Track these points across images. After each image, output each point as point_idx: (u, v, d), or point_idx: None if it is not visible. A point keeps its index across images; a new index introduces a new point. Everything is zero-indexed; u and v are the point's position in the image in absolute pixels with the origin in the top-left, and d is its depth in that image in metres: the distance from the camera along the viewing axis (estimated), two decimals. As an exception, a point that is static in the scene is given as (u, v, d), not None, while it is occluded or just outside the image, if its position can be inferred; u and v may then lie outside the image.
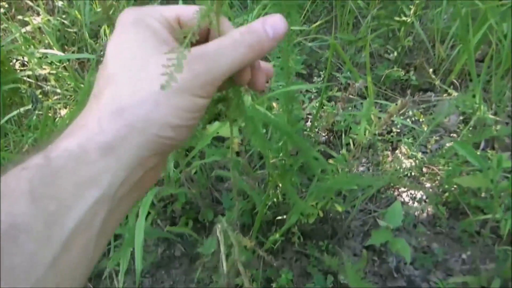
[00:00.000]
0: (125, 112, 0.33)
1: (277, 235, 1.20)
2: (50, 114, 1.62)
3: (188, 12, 0.41)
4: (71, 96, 1.69)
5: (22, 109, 1.53)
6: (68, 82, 1.70)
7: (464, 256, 1.34)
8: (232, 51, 0.37)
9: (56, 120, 1.64)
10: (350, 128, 1.66)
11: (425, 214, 1.48)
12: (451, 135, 1.76)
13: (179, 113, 0.35)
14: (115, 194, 0.33)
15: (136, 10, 0.40)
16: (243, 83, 0.43)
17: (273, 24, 0.38)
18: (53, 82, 1.77)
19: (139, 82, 0.34)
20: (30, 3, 2.15)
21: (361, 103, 1.81)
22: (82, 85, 1.61)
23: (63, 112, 1.67)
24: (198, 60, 0.36)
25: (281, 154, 1.17)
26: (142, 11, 0.40)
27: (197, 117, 0.38)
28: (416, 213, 1.48)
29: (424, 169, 1.60)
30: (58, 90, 1.71)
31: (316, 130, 1.65)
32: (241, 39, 0.37)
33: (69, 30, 2.03)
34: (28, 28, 1.96)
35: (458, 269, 1.31)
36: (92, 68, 1.52)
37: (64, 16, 2.06)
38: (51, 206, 0.29)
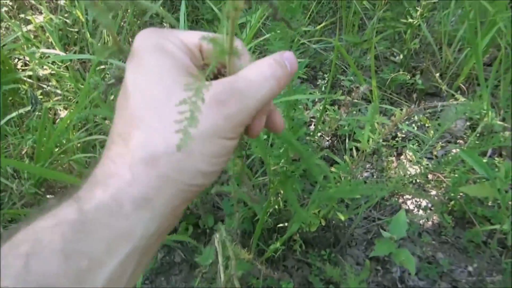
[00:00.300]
0: (157, 162, 0.32)
1: (278, 244, 1.18)
2: (50, 115, 1.60)
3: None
4: (72, 97, 1.67)
5: (22, 110, 1.51)
6: (69, 83, 1.68)
7: (470, 267, 1.31)
8: (262, 85, 0.36)
9: (57, 121, 1.63)
10: (354, 132, 1.63)
11: (430, 223, 1.45)
12: (458, 141, 1.72)
13: (211, 160, 0.34)
14: (145, 245, 0.32)
15: (154, 33, 0.37)
16: (262, 123, 0.41)
17: (289, 58, 0.38)
18: (54, 83, 1.75)
19: (169, 127, 0.32)
20: (33, 1, 2.13)
21: (366, 107, 1.78)
22: (82, 86, 1.58)
23: (63, 114, 1.65)
24: (228, 99, 0.34)
25: (282, 161, 1.14)
26: (162, 35, 0.37)
27: (227, 160, 0.36)
28: (421, 222, 1.45)
29: (430, 176, 1.56)
30: (59, 91, 1.69)
31: (319, 134, 1.62)
32: (270, 72, 0.36)
33: (71, 29, 2.01)
34: (30, 27, 1.94)
35: (464, 280, 1.27)
36: (93, 70, 1.50)
37: (66, 15, 2.04)
38: (83, 263, 0.29)
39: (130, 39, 2.16)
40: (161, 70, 0.35)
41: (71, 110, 1.55)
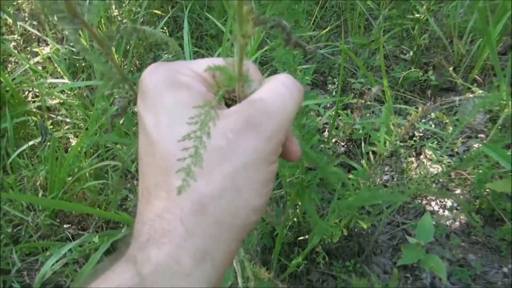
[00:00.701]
0: (207, 208, 0.30)
1: (300, 258, 1.13)
2: (62, 144, 1.60)
3: (219, 63, 0.36)
4: (82, 124, 1.67)
5: (32, 142, 1.51)
6: (78, 111, 1.68)
7: (504, 268, 1.24)
8: (287, 98, 0.34)
9: (69, 150, 1.62)
10: (370, 136, 1.58)
11: (457, 223, 1.39)
12: (479, 135, 1.65)
13: (261, 191, 0.32)
14: None
15: (163, 67, 0.35)
16: (296, 142, 0.39)
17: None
18: (64, 112, 1.75)
19: (208, 167, 0.30)
20: (39, 34, 2.16)
21: (379, 109, 1.73)
22: (91, 113, 1.58)
23: (75, 142, 1.65)
24: (262, 120, 0.32)
25: (297, 171, 1.10)
26: (172, 68, 0.35)
27: (272, 187, 0.34)
28: (448, 223, 1.38)
29: (453, 174, 1.50)
30: (68, 120, 1.69)
31: (334, 140, 1.57)
32: (289, 84, 0.35)
33: (77, 57, 2.02)
34: (38, 58, 1.96)
35: (500, 282, 1.20)
36: (100, 96, 1.49)
37: (72, 44, 2.05)
38: None
39: (137, 61, 2.16)
40: (182, 106, 0.32)
41: (81, 137, 1.55)
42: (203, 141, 0.27)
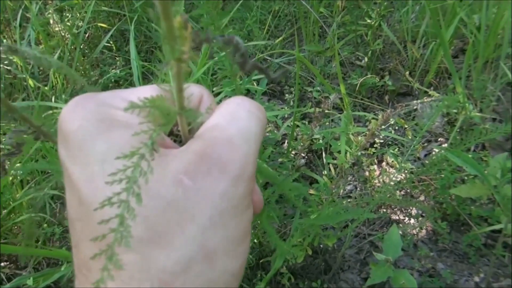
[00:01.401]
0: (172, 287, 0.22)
1: (263, 284, 1.04)
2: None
3: (156, 92, 0.28)
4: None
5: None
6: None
7: (475, 276, 1.20)
8: (248, 120, 0.27)
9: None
10: (330, 145, 1.53)
11: (424, 231, 1.34)
12: (438, 139, 1.64)
13: (237, 250, 0.25)
14: None
15: (88, 101, 0.26)
16: (257, 189, 0.32)
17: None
18: (-2, 136, 1.59)
19: (165, 232, 0.22)
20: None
21: (339, 117, 1.68)
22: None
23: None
24: (226, 155, 0.24)
25: (255, 190, 1.02)
26: (100, 101, 0.26)
27: (249, 243, 0.26)
28: (414, 232, 1.33)
29: (416, 181, 1.46)
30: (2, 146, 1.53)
31: (294, 153, 1.50)
32: (246, 107, 0.27)
33: (10, 76, 1.87)
34: (-32, 79, 1.78)
35: (471, 291, 1.16)
36: (36, 116, 1.35)
37: (6, 62, 1.89)
38: None
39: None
40: (117, 153, 0.23)
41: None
42: (131, 207, 0.19)
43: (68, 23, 2.08)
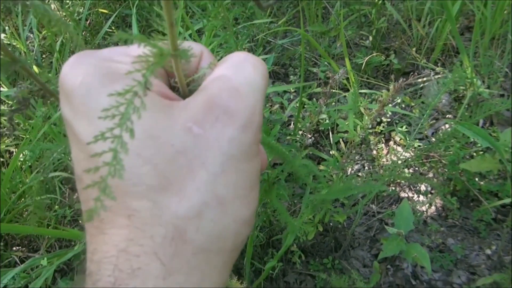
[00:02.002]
0: (186, 233, 0.22)
1: (275, 261, 1.04)
2: (4, 159, 1.44)
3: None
4: (25, 136, 1.52)
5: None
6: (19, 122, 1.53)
7: (487, 250, 1.20)
8: (252, 71, 0.26)
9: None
10: (337, 125, 1.52)
11: (433, 208, 1.34)
12: (446, 116, 1.62)
13: (248, 197, 0.25)
14: None
15: (89, 57, 0.25)
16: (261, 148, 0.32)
17: None
18: (3, 123, 1.59)
19: (177, 178, 0.22)
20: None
21: (345, 96, 1.67)
22: (31, 121, 1.43)
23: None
24: (233, 103, 0.24)
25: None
26: (101, 56, 0.26)
27: (258, 191, 0.26)
28: (424, 208, 1.33)
29: (424, 158, 1.46)
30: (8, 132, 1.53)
31: (301, 133, 1.50)
32: (251, 58, 0.27)
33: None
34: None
35: (483, 265, 1.16)
36: (41, 102, 1.35)
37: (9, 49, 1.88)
38: None
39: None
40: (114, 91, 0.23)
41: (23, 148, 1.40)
42: (124, 142, 0.18)
43: (69, 10, 2.06)
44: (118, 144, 0.18)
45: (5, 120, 1.24)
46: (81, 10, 2.07)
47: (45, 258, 0.98)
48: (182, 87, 0.28)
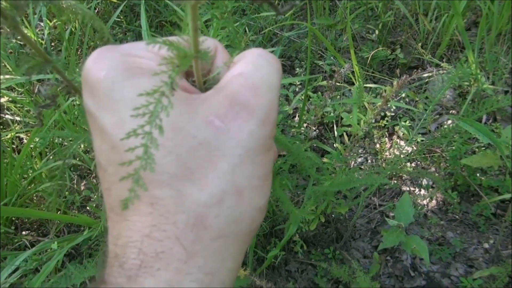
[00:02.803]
0: (206, 220, 0.24)
1: (277, 250, 1.07)
2: (13, 145, 1.47)
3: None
4: (33, 122, 1.55)
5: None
6: (30, 109, 1.56)
7: (485, 244, 1.22)
8: (268, 68, 0.28)
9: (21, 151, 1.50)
10: (341, 118, 1.54)
11: (434, 202, 1.36)
12: (450, 112, 1.64)
13: (263, 187, 0.26)
14: None
15: (112, 51, 0.27)
16: None
17: None
18: (14, 110, 1.62)
19: (199, 167, 0.24)
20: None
21: (350, 90, 1.69)
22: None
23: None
24: (250, 98, 0.26)
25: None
26: (124, 51, 0.27)
27: (272, 176, 0.28)
28: (424, 202, 1.36)
29: (426, 152, 1.47)
30: (18, 118, 1.56)
31: (305, 125, 1.52)
32: (266, 56, 0.28)
33: (25, 51, 1.88)
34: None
35: (481, 258, 1.19)
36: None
37: (19, 37, 1.90)
38: None
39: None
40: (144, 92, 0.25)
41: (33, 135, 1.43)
42: (154, 138, 0.21)
43: (78, -2, 2.08)
44: (148, 140, 0.20)
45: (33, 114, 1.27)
46: (89, -1, 2.08)
47: (56, 242, 1.02)
48: (199, 83, 0.30)
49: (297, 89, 1.76)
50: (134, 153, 0.21)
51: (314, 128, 1.63)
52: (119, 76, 0.26)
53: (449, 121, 1.54)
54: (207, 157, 0.24)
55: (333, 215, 1.29)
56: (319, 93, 1.67)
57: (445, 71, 1.66)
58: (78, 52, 2.05)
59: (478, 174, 1.32)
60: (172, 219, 0.24)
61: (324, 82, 1.66)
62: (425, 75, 1.73)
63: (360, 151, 1.56)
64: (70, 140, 1.30)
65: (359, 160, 1.53)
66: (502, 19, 1.69)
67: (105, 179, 0.27)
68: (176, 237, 0.23)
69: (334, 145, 1.50)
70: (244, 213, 0.25)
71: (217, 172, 0.24)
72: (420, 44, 1.85)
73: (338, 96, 1.67)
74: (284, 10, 0.31)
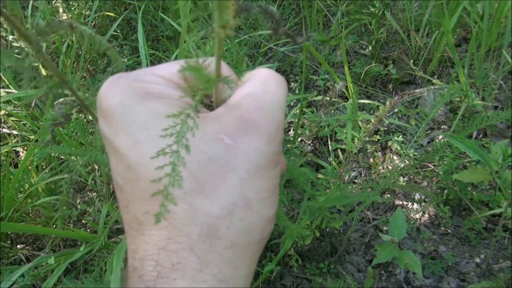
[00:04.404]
0: (219, 230, 0.26)
1: (273, 264, 1.09)
2: (10, 159, 1.48)
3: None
4: (31, 137, 1.55)
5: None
6: (26, 123, 1.56)
7: (476, 258, 1.24)
8: (276, 89, 0.30)
9: (19, 165, 1.50)
10: (336, 132, 1.56)
11: (427, 216, 1.39)
12: (441, 127, 1.67)
13: (271, 199, 0.28)
14: None
15: (123, 79, 0.30)
16: None
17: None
18: (11, 123, 1.63)
19: (210, 181, 0.26)
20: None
21: (344, 105, 1.72)
22: (41, 123, 1.47)
23: (24, 155, 1.53)
24: (259, 118, 0.28)
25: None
26: (134, 77, 0.30)
27: (279, 189, 0.31)
28: (417, 216, 1.38)
29: (419, 167, 1.50)
30: (15, 132, 1.56)
31: (300, 139, 1.54)
32: (273, 77, 0.31)
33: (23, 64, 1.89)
34: (-21, 68, 1.81)
35: (472, 272, 1.21)
36: (49, 104, 1.39)
37: (16, 50, 1.92)
38: None
39: (89, 66, 2.05)
40: (159, 118, 0.27)
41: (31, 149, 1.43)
42: (181, 156, 0.23)
43: (75, 12, 2.10)
44: (176, 159, 0.22)
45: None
46: (87, 13, 2.11)
47: (52, 257, 1.02)
48: (217, 103, 0.32)
49: (291, 103, 1.79)
50: (150, 170, 0.24)
51: (309, 143, 1.66)
52: (131, 102, 0.28)
53: (441, 137, 1.57)
54: (217, 172, 0.26)
55: (327, 230, 1.31)
56: (314, 108, 1.70)
57: (436, 87, 1.70)
58: (74, 65, 2.07)
59: (469, 189, 1.35)
60: (186, 231, 0.25)
61: (319, 97, 1.69)
62: (417, 90, 1.76)
63: (354, 165, 1.58)
64: (68, 154, 1.31)
65: (353, 174, 1.56)
66: (491, 36, 1.73)
67: (123, 198, 0.29)
68: (191, 248, 0.25)
69: (329, 159, 1.53)
70: (254, 223, 0.27)
71: (227, 186, 0.26)
72: (412, 60, 1.89)
73: (333, 111, 1.70)
74: (302, 41, 0.34)
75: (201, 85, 0.27)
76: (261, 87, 0.29)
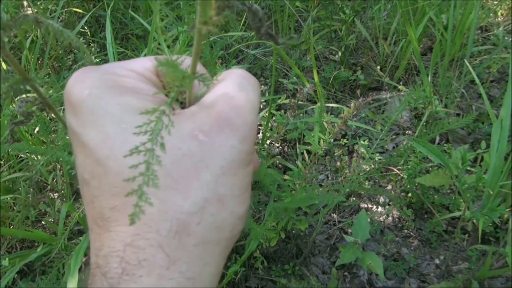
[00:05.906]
0: (189, 227, 0.25)
1: (238, 266, 1.08)
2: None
3: (153, 62, 0.31)
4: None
5: None
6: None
7: (436, 259, 1.27)
8: (249, 89, 0.30)
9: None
10: (304, 136, 1.58)
11: (390, 218, 1.41)
12: (406, 132, 1.71)
13: (243, 197, 0.28)
14: None
15: (94, 71, 0.28)
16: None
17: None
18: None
19: (183, 177, 0.25)
20: None
21: (312, 109, 1.74)
22: None
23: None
24: (233, 116, 0.28)
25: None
26: (105, 70, 0.29)
27: (251, 188, 0.30)
28: (381, 219, 1.40)
29: (384, 171, 1.53)
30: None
31: (268, 141, 1.54)
32: (247, 79, 0.31)
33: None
34: None
35: (432, 274, 1.24)
36: (10, 100, 1.33)
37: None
38: None
39: (54, 63, 1.99)
40: (133, 113, 0.27)
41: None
42: (155, 155, 0.22)
43: (41, 7, 2.04)
44: (150, 157, 0.21)
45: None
46: (54, 8, 2.05)
47: (7, 259, 0.98)
48: (190, 101, 0.32)
49: (261, 106, 1.80)
50: (137, 170, 0.23)
51: (277, 145, 1.66)
52: (102, 94, 0.27)
53: (405, 141, 1.60)
54: (191, 168, 0.25)
55: (293, 231, 1.31)
56: (282, 111, 1.71)
57: (402, 93, 1.74)
58: (39, 62, 2.00)
59: (431, 193, 1.39)
60: (155, 227, 0.24)
61: (287, 100, 1.70)
62: (384, 96, 1.80)
63: (321, 168, 1.60)
64: (27, 152, 1.26)
65: (320, 177, 1.57)
66: (455, 46, 1.80)
67: (88, 193, 0.27)
68: (159, 245, 0.24)
69: (296, 162, 1.53)
70: (225, 220, 0.26)
71: (200, 182, 0.25)
72: (379, 67, 1.93)
73: (302, 114, 1.71)
74: (283, 43, 0.33)
75: (176, 81, 0.26)
76: (236, 87, 0.29)
